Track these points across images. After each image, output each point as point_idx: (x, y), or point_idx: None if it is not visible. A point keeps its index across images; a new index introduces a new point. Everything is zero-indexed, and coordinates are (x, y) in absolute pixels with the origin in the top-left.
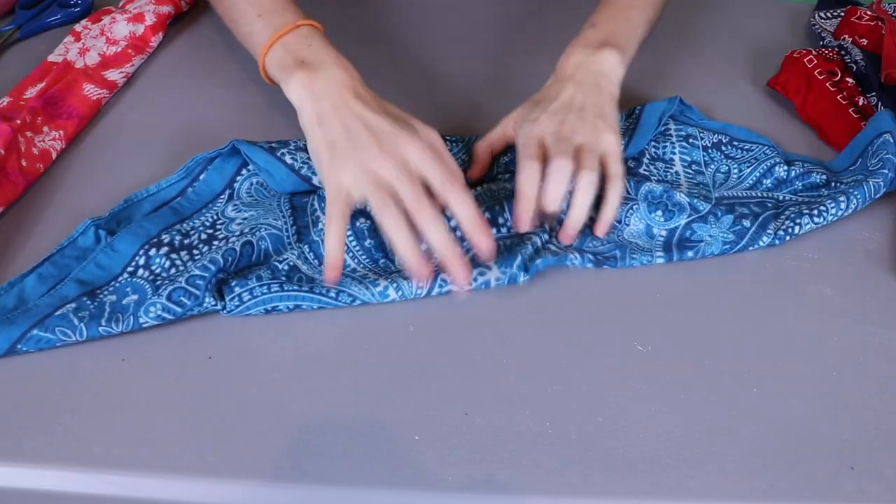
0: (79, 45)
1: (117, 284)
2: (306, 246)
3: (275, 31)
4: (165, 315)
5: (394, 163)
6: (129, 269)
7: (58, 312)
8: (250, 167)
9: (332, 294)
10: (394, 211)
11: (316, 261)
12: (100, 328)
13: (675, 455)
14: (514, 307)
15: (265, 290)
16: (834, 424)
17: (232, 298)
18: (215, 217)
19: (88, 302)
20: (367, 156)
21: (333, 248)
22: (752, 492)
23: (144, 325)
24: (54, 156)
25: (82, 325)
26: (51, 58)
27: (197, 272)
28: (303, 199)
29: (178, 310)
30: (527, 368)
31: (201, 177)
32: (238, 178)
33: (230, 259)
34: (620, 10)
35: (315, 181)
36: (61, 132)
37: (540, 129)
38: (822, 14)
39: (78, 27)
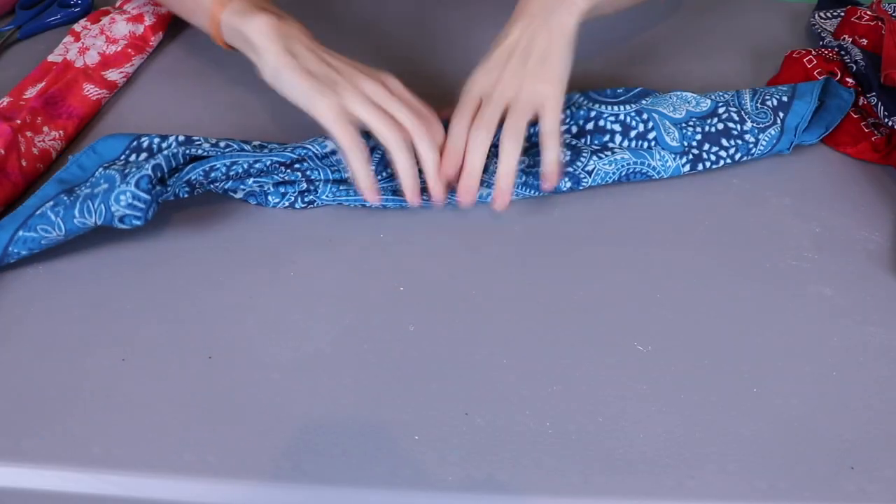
0: (78, 45)
1: (92, 179)
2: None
3: None
4: (137, 203)
5: (383, 88)
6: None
7: (38, 211)
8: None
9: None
10: (397, 131)
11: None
12: (75, 220)
13: (675, 455)
14: (515, 307)
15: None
16: (834, 424)
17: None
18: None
19: (65, 198)
20: (356, 80)
21: (363, 169)
22: (752, 492)
23: (118, 215)
24: (54, 156)
25: (59, 219)
26: (50, 58)
27: (161, 161)
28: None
29: (147, 197)
30: (527, 368)
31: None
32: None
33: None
34: None
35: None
36: (61, 132)
37: (478, 85)
38: (821, 14)
39: (77, 27)
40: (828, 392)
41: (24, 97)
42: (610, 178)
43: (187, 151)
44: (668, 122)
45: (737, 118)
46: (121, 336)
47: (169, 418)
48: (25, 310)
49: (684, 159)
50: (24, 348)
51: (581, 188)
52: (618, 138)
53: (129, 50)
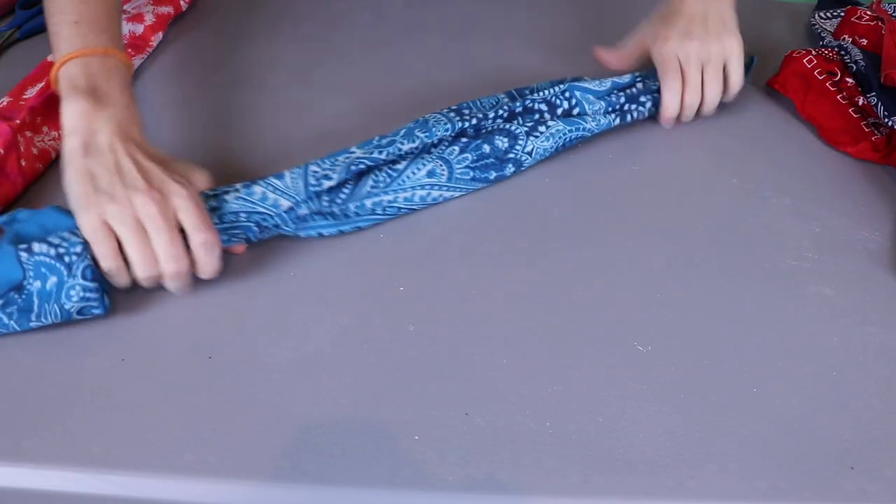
0: None
1: (30, 267)
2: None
3: (84, 47)
4: (89, 295)
5: (156, 206)
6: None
7: None
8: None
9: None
10: (143, 255)
11: None
12: (31, 323)
13: (675, 455)
14: (515, 307)
15: None
16: (834, 424)
17: None
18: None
19: (16, 296)
20: (133, 195)
21: (113, 260)
22: (752, 492)
23: (74, 311)
24: (54, 156)
25: (13, 321)
26: (50, 58)
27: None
28: None
29: (93, 285)
30: (527, 368)
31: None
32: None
33: None
34: None
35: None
36: (61, 132)
37: (672, 47)
38: (821, 14)
39: None
40: (828, 392)
41: (24, 97)
42: (549, 152)
43: None
44: (591, 96)
45: (651, 85)
46: (121, 336)
47: (169, 418)
48: None
49: (613, 115)
50: (24, 348)
51: (524, 169)
52: (546, 116)
53: (129, 50)
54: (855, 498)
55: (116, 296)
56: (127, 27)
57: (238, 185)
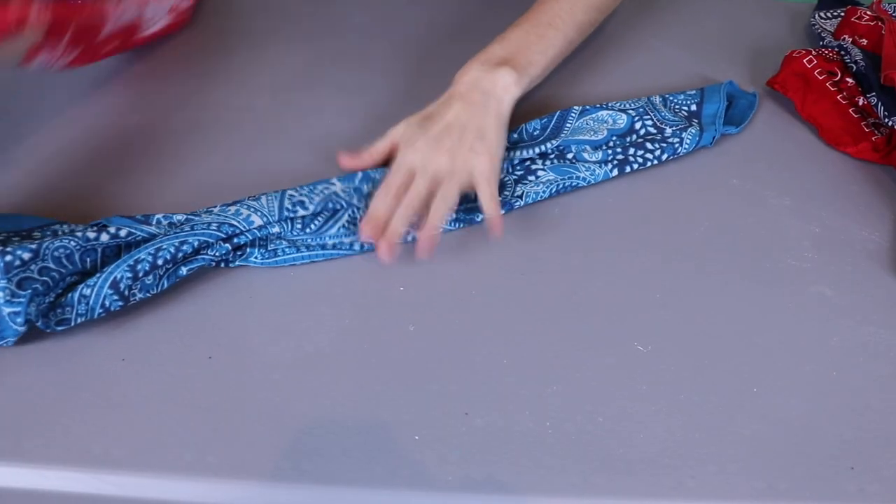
0: None
1: None
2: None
3: None
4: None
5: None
6: None
7: None
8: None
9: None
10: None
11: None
12: None
13: (675, 455)
14: (515, 307)
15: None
16: (834, 424)
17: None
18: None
19: None
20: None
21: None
22: (752, 492)
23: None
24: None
25: None
26: None
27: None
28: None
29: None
30: (527, 368)
31: None
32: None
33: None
34: (536, 27)
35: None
36: None
37: (412, 157)
38: (822, 14)
39: None
40: (828, 392)
41: None
42: (541, 196)
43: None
44: (589, 147)
45: (654, 130)
46: (121, 336)
47: (169, 418)
48: None
49: (610, 165)
50: (24, 348)
51: (515, 209)
52: (539, 161)
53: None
54: (855, 498)
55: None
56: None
57: (216, 206)
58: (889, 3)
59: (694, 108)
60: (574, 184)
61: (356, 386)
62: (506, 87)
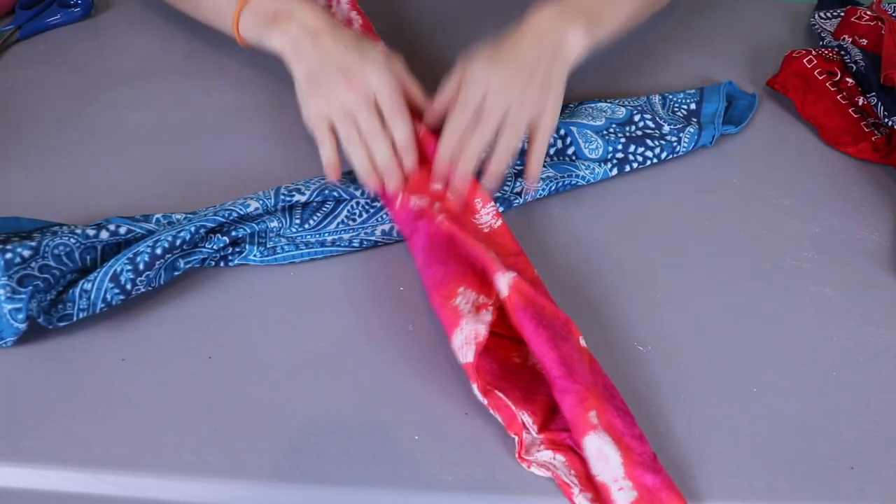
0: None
1: None
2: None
3: None
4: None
5: (357, 95)
6: None
7: None
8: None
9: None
10: (355, 137)
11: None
12: None
13: (676, 455)
14: None
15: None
16: (834, 424)
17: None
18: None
19: None
20: (336, 88)
21: (329, 155)
22: (752, 492)
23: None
24: None
25: None
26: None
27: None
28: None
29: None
30: None
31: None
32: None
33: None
34: None
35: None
36: None
37: (481, 85)
38: (822, 14)
39: None
40: (828, 392)
41: None
42: (540, 194)
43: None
44: (588, 131)
45: (653, 125)
46: (121, 336)
47: (169, 418)
48: None
49: (609, 164)
50: (24, 348)
51: (513, 208)
52: None
53: None
54: (855, 498)
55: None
56: None
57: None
58: (889, 3)
59: (693, 107)
60: (574, 182)
61: (356, 386)
62: (575, 41)
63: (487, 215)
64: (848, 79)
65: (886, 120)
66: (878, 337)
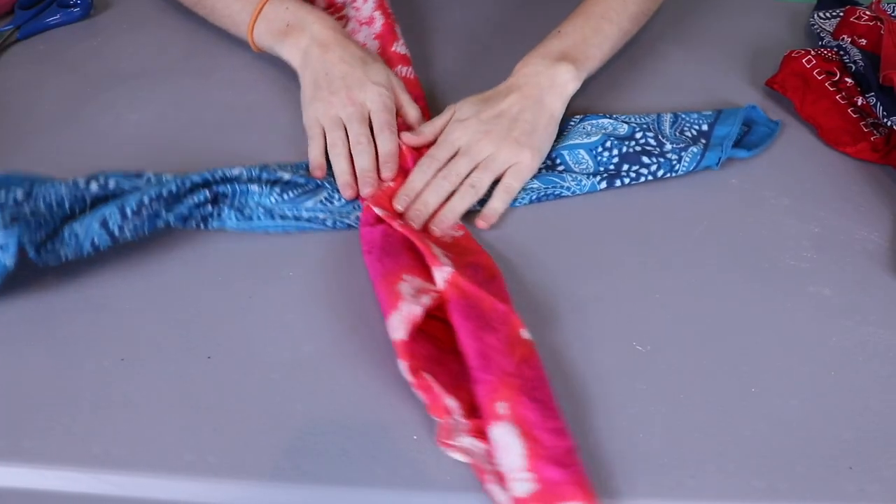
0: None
1: None
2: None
3: (253, 7)
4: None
5: (353, 109)
6: None
7: None
8: None
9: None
10: (340, 145)
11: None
12: None
13: (675, 455)
14: (513, 307)
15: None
16: (833, 424)
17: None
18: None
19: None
20: (335, 100)
21: (316, 156)
22: (752, 492)
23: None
24: None
25: None
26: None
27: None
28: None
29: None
30: None
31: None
32: None
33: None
34: (591, 20)
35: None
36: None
37: (460, 135)
38: (821, 14)
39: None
40: (827, 392)
41: None
42: (520, 202)
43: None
44: (581, 151)
45: (654, 143)
46: (121, 336)
47: (169, 418)
48: (26, 309)
49: (598, 178)
50: (24, 348)
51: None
52: None
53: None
54: (854, 498)
55: (117, 295)
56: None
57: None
58: (888, 3)
59: (705, 127)
60: (558, 192)
61: (356, 386)
62: (564, 84)
63: (450, 229)
64: (847, 79)
65: (885, 120)
66: (876, 337)
